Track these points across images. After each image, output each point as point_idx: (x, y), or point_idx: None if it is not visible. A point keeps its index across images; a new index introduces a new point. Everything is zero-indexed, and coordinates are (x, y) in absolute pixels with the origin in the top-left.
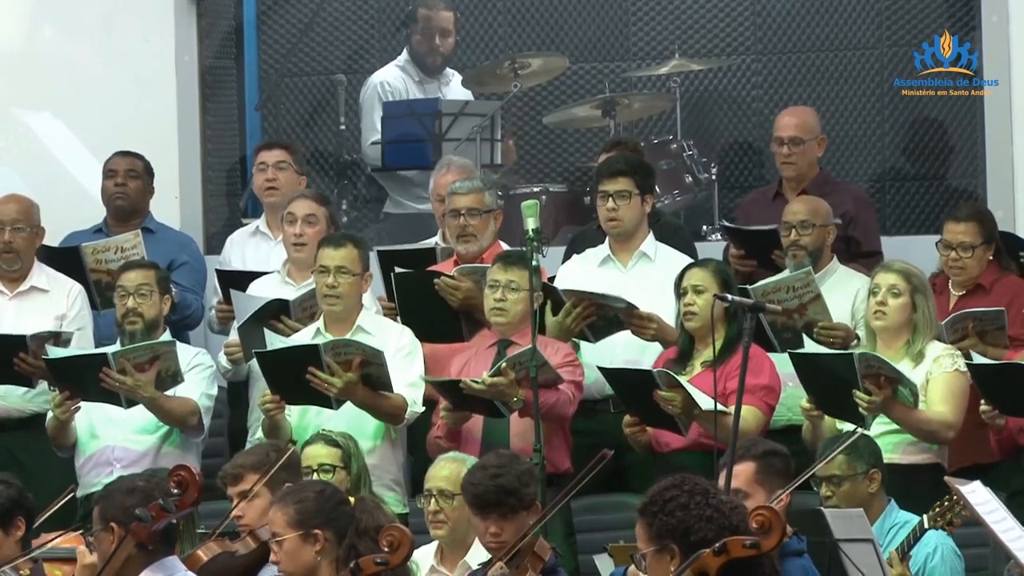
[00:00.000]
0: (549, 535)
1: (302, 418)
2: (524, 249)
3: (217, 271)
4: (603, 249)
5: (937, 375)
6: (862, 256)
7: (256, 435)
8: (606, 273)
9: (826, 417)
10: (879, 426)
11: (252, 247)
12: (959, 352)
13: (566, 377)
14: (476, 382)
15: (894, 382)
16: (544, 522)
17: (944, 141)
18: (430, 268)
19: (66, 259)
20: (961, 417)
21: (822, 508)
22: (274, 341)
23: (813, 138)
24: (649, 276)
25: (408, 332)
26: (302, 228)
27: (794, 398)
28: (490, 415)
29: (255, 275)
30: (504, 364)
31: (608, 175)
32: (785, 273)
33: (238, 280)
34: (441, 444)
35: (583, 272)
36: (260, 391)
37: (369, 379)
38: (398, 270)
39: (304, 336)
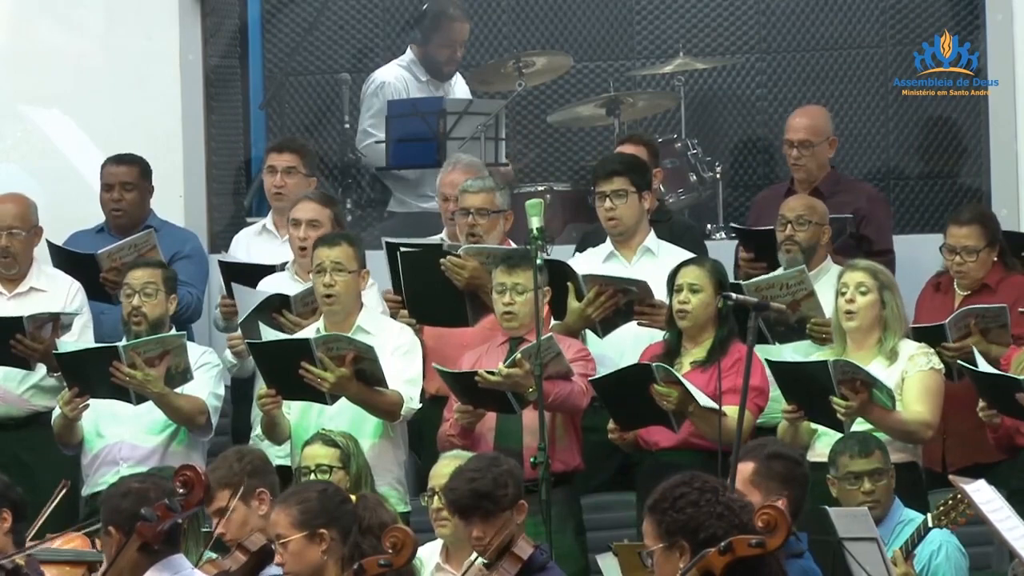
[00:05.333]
0: (559, 533)
1: (303, 417)
2: (528, 248)
3: (220, 263)
4: (606, 246)
5: (912, 374)
6: (875, 255)
7: (256, 431)
8: (611, 269)
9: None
10: (857, 428)
11: (258, 245)
12: (933, 350)
13: (579, 371)
14: (492, 373)
15: (869, 386)
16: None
17: (949, 140)
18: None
19: (81, 264)
20: (938, 415)
21: (827, 507)
22: (267, 334)
23: (823, 140)
24: (653, 270)
25: (408, 331)
26: (306, 232)
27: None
28: (501, 411)
29: (260, 268)
30: (519, 355)
31: (603, 176)
32: (779, 271)
33: (241, 273)
34: (454, 442)
35: (589, 268)
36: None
37: (363, 375)
38: (404, 249)
39: (304, 335)
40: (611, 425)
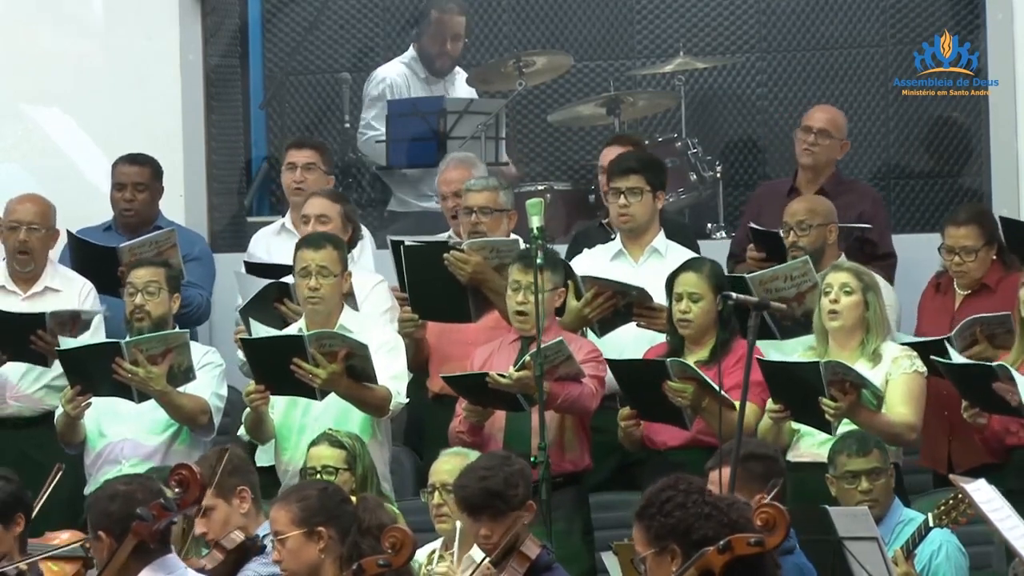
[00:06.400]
0: (567, 534)
1: (287, 416)
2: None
3: (245, 263)
4: (615, 244)
5: (896, 377)
6: (877, 258)
7: (239, 431)
8: (618, 267)
9: None
10: (842, 428)
11: (278, 244)
12: (916, 353)
13: (590, 372)
14: (503, 376)
15: (858, 388)
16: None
17: (949, 140)
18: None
19: (100, 257)
20: (921, 418)
21: (827, 507)
22: (259, 330)
23: (839, 138)
24: (660, 271)
25: (391, 328)
26: (315, 227)
27: None
28: (510, 409)
29: (281, 268)
30: (528, 359)
31: (619, 172)
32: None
33: (264, 273)
34: (463, 438)
35: (595, 266)
36: None
37: (354, 371)
38: (408, 243)
39: (288, 333)
40: (624, 413)
